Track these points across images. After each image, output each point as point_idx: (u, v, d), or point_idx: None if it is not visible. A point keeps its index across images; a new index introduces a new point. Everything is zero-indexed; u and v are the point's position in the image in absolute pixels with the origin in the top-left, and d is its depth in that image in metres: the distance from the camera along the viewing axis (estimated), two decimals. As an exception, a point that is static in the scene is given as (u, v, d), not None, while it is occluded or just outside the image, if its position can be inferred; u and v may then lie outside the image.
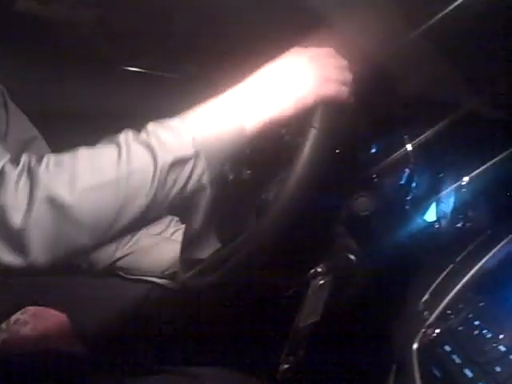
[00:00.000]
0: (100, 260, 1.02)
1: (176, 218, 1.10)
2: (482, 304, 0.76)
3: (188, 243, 0.91)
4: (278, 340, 0.85)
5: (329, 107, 0.71)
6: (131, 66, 1.46)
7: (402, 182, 1.04)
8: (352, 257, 0.86)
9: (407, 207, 1.01)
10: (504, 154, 0.87)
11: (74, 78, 1.39)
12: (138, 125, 0.69)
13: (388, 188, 1.05)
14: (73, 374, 0.99)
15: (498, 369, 0.68)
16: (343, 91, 0.73)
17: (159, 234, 1.06)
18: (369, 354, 0.96)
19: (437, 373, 0.74)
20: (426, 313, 0.81)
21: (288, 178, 0.68)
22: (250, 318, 1.04)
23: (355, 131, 0.93)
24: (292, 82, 0.72)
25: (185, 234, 0.95)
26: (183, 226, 1.03)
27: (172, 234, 1.08)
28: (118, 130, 0.69)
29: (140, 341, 1.01)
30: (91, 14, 1.43)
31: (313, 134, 0.68)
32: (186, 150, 0.66)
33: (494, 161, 0.88)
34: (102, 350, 1.02)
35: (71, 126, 1.35)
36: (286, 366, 0.86)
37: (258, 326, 1.04)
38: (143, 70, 1.45)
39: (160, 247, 1.04)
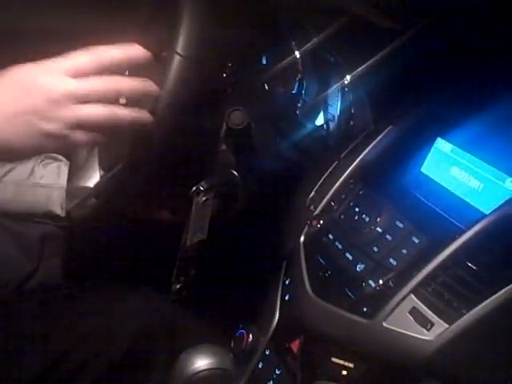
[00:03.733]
0: None
1: (40, 162, 1.04)
2: (361, 192, 0.79)
3: (74, 174, 0.89)
4: (167, 261, 0.85)
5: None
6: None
7: (294, 92, 1.05)
8: (235, 172, 0.86)
9: (298, 113, 1.02)
10: (383, 51, 0.88)
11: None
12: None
13: (279, 96, 1.05)
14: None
15: (375, 249, 0.72)
16: None
17: (27, 179, 1.01)
18: (260, 258, 0.98)
19: (321, 260, 0.77)
20: (311, 207, 0.83)
21: (158, 101, 0.66)
22: (137, 241, 1.03)
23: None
24: None
25: (71, 166, 0.93)
26: (49, 167, 1.01)
27: (41, 178, 1.03)
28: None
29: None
30: None
31: (178, 60, 0.66)
32: None
33: (374, 59, 0.89)
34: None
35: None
36: (177, 286, 0.86)
37: (147, 250, 1.04)
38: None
39: (30, 193, 1.01)
